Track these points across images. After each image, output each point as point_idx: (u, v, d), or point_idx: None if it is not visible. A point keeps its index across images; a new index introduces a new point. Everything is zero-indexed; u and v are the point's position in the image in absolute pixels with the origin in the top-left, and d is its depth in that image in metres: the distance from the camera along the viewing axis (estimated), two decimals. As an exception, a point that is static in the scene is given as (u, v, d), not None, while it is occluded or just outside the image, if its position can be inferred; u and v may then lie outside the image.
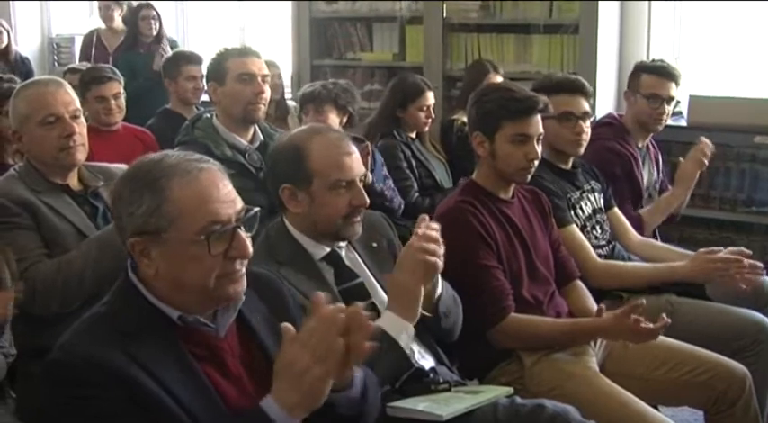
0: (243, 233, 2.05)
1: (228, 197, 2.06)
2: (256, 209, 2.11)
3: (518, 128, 3.25)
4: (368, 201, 2.80)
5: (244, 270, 2.08)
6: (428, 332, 2.89)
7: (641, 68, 4.60)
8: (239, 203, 2.07)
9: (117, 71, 5.38)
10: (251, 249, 2.07)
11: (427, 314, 2.80)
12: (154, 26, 7.41)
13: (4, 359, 2.92)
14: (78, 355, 1.95)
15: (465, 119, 5.22)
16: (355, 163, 2.78)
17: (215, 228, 2.00)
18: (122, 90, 5.22)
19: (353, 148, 2.82)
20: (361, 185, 2.79)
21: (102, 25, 8.18)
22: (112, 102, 5.12)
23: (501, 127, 3.26)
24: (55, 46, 9.85)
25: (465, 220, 3.20)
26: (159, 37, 7.40)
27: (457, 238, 3.15)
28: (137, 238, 2.03)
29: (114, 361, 1.93)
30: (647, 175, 4.63)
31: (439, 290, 2.84)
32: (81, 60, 7.73)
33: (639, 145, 4.60)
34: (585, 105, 3.87)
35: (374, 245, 2.96)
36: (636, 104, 4.53)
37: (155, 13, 7.47)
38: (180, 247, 2.01)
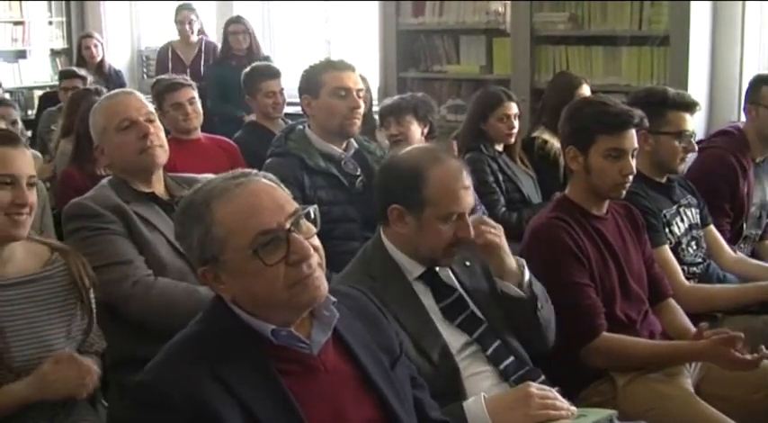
0: (299, 236, 2.01)
1: (275, 203, 2.03)
2: (313, 207, 2.09)
3: (613, 142, 3.20)
4: (473, 234, 2.74)
5: (318, 272, 2.05)
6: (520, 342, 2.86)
7: (762, 80, 4.52)
8: (291, 206, 2.05)
9: (188, 78, 5.45)
10: (312, 249, 2.03)
11: (521, 293, 2.80)
12: (243, 41, 7.48)
13: (97, 362, 2.94)
14: (165, 381, 1.97)
15: (546, 136, 5.21)
16: (469, 196, 2.74)
17: (263, 238, 1.98)
18: (197, 95, 5.27)
19: (470, 181, 2.76)
20: (469, 218, 2.74)
21: (176, 38, 8.32)
22: (188, 107, 5.16)
23: (595, 141, 3.21)
24: (144, 58, 10.05)
25: (557, 236, 3.16)
26: (250, 52, 7.45)
27: (549, 255, 3.13)
28: (204, 268, 2.05)
29: (200, 388, 1.94)
30: (761, 192, 4.54)
31: (527, 276, 2.82)
32: (157, 75, 7.83)
33: (757, 159, 4.52)
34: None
35: (467, 264, 2.92)
36: (758, 117, 4.46)
37: (243, 27, 7.53)
38: (239, 266, 2.00)
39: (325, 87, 3.88)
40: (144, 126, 3.24)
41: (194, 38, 8.20)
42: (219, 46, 7.91)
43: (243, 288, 2.02)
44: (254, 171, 2.13)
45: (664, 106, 3.74)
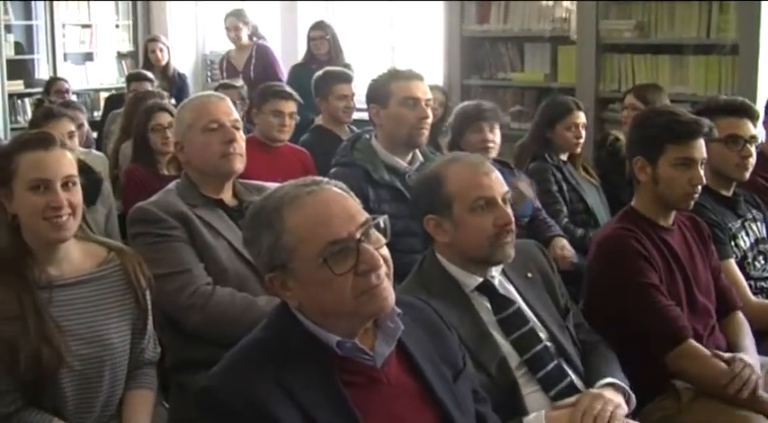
0: (369, 246, 2.00)
1: (346, 213, 2.02)
2: (383, 217, 2.08)
3: (682, 151, 3.15)
4: (513, 218, 2.71)
5: (386, 283, 2.03)
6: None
7: None
8: (362, 216, 2.04)
9: (296, 94, 5.49)
10: (382, 259, 2.02)
11: None
12: (321, 46, 7.56)
13: (155, 373, 2.97)
14: (228, 388, 1.98)
15: (619, 134, 5.17)
16: (495, 182, 2.71)
17: (333, 248, 1.97)
18: (296, 113, 5.35)
19: (492, 168, 2.76)
20: (505, 205, 2.71)
21: (232, 46, 8.39)
22: (287, 119, 5.25)
23: (665, 151, 3.17)
24: (208, 62, 10.16)
25: (626, 242, 3.12)
26: (331, 57, 7.48)
27: (619, 263, 3.11)
28: (271, 275, 2.05)
29: (262, 395, 1.95)
30: None
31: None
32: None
33: None
34: (752, 129, 3.75)
35: (529, 275, 2.88)
36: None
37: (322, 33, 7.60)
38: (308, 274, 2.00)
39: (394, 97, 3.85)
40: (231, 131, 3.25)
41: (244, 42, 8.28)
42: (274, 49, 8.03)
43: (310, 296, 2.02)
44: (326, 179, 2.13)
45: (712, 114, 3.62)
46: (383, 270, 2.02)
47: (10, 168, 2.65)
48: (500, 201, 2.70)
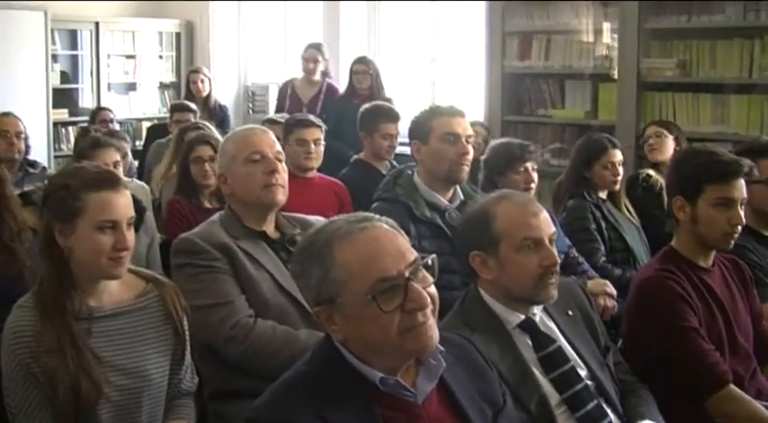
0: (417, 284, 2.01)
1: (397, 251, 2.04)
2: (432, 256, 2.09)
3: (722, 191, 3.15)
4: (558, 260, 2.72)
5: (431, 321, 2.04)
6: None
7: None
8: (411, 255, 2.05)
9: (319, 120, 5.48)
10: (429, 298, 2.03)
11: None
12: (363, 81, 7.60)
13: (193, 404, 2.98)
14: (272, 420, 2.00)
15: (650, 171, 5.14)
16: (543, 223, 2.72)
17: (383, 285, 1.98)
18: (323, 139, 5.33)
19: (541, 208, 2.77)
20: (551, 246, 2.71)
21: (298, 75, 8.39)
22: (312, 146, 5.23)
23: (704, 191, 3.16)
24: (250, 94, 10.23)
25: (666, 284, 3.10)
26: (372, 92, 7.51)
27: (659, 306, 3.09)
28: (318, 308, 2.06)
29: None
30: None
31: None
32: (276, 111, 7.96)
33: None
34: None
35: (570, 313, 2.88)
36: None
37: (365, 67, 7.65)
38: (355, 309, 2.01)
39: (435, 133, 3.87)
40: (273, 162, 3.27)
41: (316, 78, 8.26)
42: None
43: (355, 331, 2.03)
44: (377, 216, 2.15)
45: (754, 155, 3.61)
46: (430, 309, 2.03)
47: (75, 205, 2.66)
48: (547, 242, 2.71)
